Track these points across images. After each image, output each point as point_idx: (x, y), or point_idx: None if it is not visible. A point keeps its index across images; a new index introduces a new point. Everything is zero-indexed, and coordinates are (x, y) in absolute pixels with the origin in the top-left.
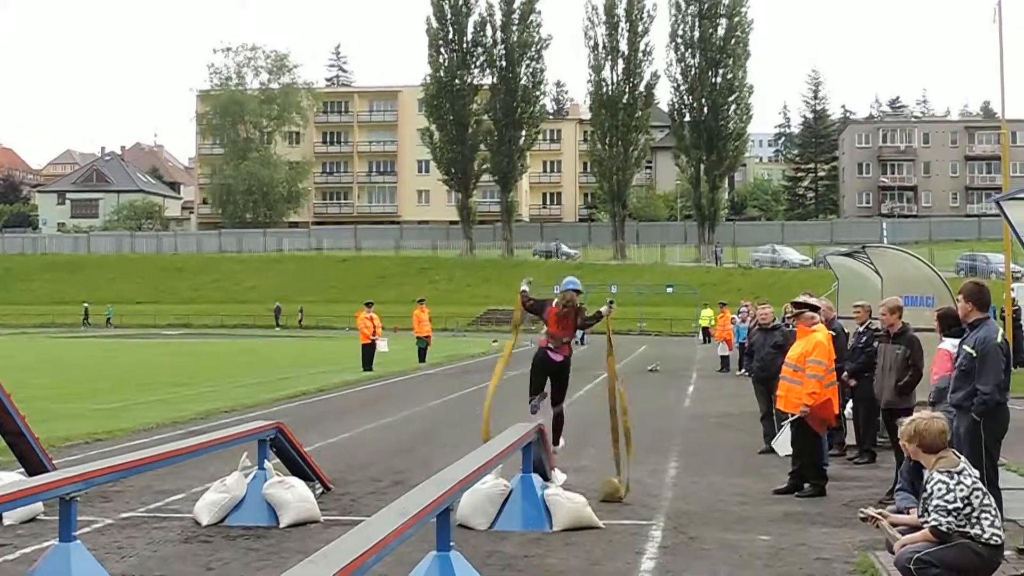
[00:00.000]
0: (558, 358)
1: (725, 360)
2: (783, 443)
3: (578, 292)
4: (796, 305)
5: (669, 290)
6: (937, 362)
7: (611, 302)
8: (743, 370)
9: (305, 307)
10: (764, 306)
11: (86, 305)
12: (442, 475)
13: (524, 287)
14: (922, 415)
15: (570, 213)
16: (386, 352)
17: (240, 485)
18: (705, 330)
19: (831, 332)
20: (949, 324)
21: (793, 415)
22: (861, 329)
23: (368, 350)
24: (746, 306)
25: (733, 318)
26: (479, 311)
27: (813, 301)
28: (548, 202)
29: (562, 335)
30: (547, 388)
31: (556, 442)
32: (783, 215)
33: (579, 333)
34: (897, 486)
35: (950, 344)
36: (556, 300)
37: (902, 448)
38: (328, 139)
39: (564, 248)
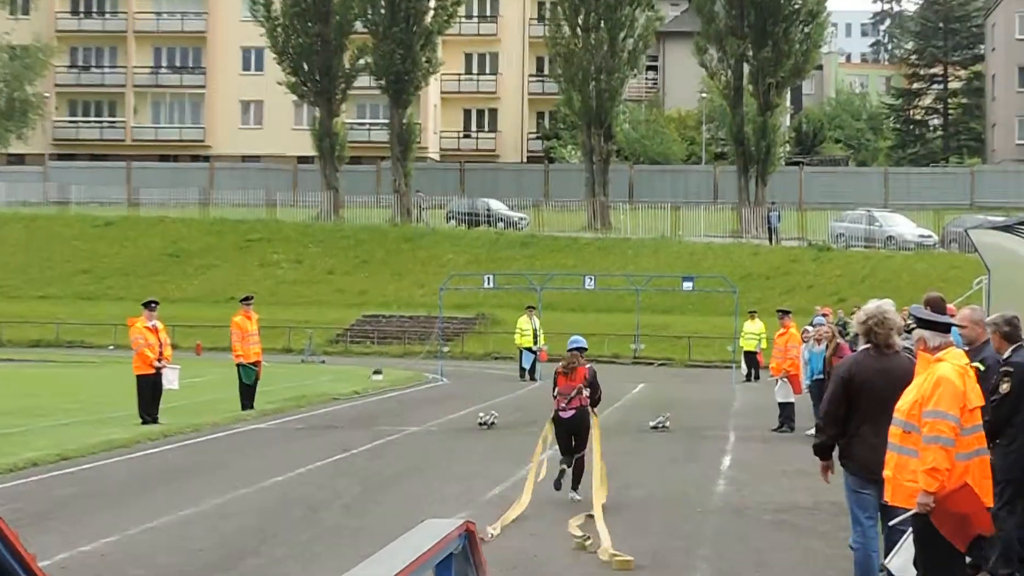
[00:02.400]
0: (568, 415)
1: (787, 410)
2: (903, 562)
3: (583, 350)
4: (922, 323)
5: (687, 286)
6: None
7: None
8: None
9: (39, 305)
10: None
11: None
12: None
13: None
14: None
15: (512, 147)
16: (178, 390)
17: None
18: (750, 357)
19: (975, 365)
20: None
21: (908, 510)
22: (1002, 359)
23: (149, 385)
24: (824, 314)
25: (805, 330)
26: (350, 317)
27: (948, 316)
28: (474, 127)
29: (569, 389)
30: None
31: (575, 488)
32: (886, 157)
33: (537, 368)
34: None
35: None
36: (561, 363)
37: None
38: (82, 7)
39: (501, 209)
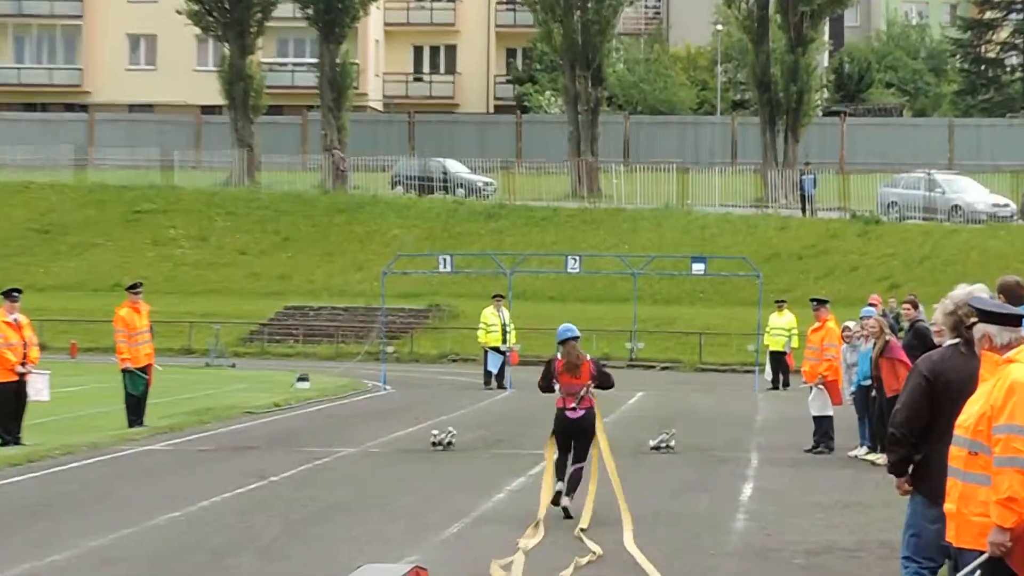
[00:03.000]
0: (576, 415)
1: (824, 426)
2: None
3: (576, 339)
4: (985, 316)
5: (697, 268)
6: None
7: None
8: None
9: None
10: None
11: None
12: None
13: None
14: None
15: (476, 94)
16: (48, 402)
17: None
18: (778, 358)
19: None
20: None
21: (978, 553)
22: None
23: (11, 396)
24: (872, 304)
25: (846, 327)
26: (269, 309)
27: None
28: (427, 68)
29: (575, 386)
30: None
31: (569, 493)
32: (951, 105)
33: (507, 372)
34: None
35: None
36: (559, 353)
37: None
38: None
39: (461, 171)
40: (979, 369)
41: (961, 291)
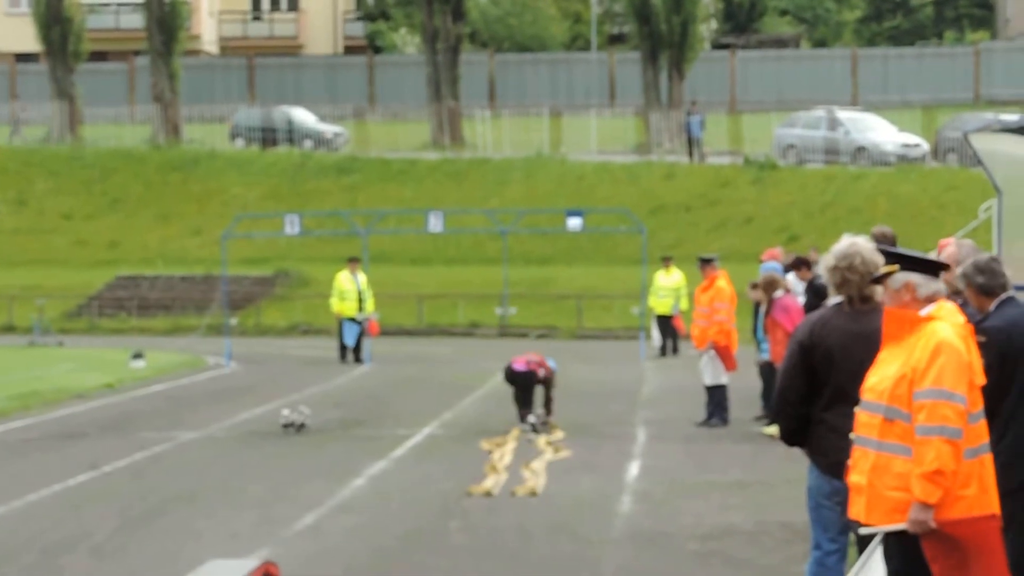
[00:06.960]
0: (521, 367)
1: (716, 396)
2: None
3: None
4: (909, 264)
5: (574, 224)
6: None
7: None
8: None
9: None
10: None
11: None
12: None
13: None
14: None
15: (322, 34)
16: None
17: None
18: (665, 322)
19: (979, 331)
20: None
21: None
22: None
23: None
24: (769, 259)
25: (751, 286)
26: (98, 280)
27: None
28: (266, 6)
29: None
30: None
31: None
32: (855, 34)
33: (365, 345)
34: None
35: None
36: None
37: None
38: None
39: (307, 121)
40: (867, 328)
41: (843, 243)
